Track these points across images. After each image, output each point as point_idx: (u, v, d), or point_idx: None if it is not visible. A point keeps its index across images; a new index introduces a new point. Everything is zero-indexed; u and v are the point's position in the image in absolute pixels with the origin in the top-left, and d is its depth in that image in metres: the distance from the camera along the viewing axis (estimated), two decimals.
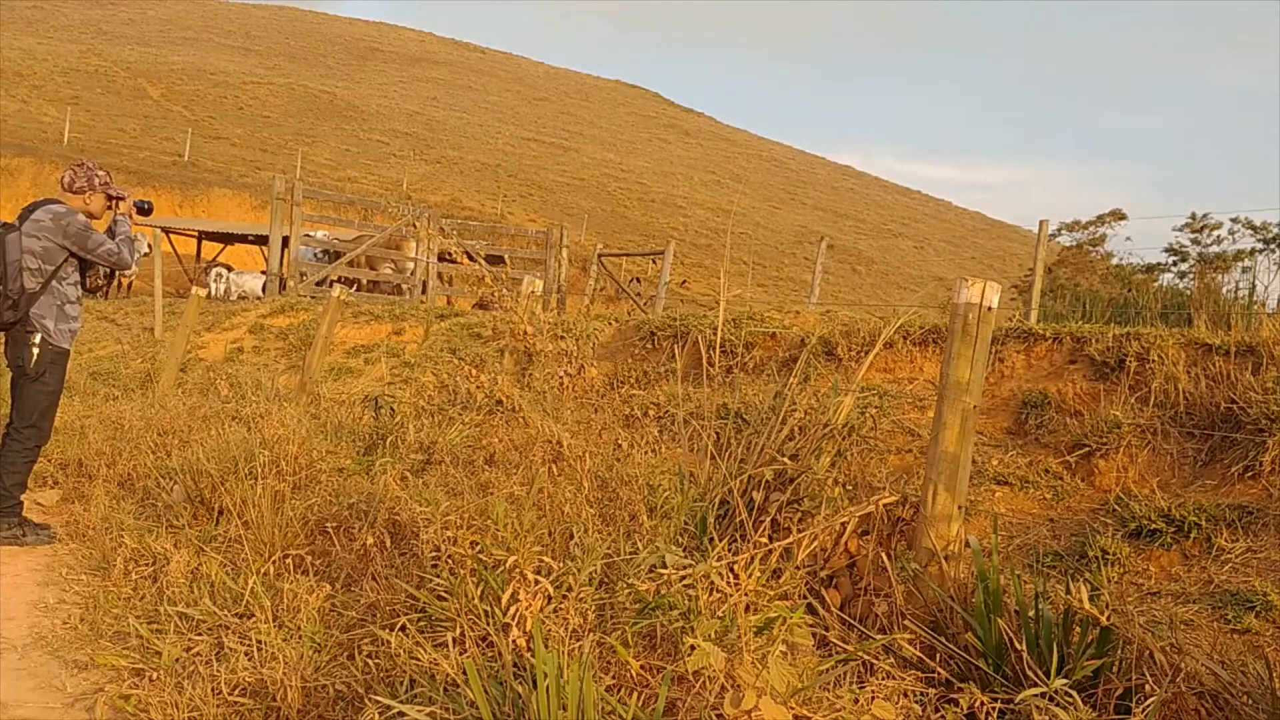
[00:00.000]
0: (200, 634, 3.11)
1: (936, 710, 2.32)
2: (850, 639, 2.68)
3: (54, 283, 4.70)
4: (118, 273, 5.54)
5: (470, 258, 14.34)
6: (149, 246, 16.10)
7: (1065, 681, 2.30)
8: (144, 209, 5.13)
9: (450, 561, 2.79)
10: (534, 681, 2.12)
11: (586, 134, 65.16)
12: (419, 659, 2.47)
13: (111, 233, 4.87)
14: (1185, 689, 2.43)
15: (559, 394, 4.62)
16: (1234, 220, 18.43)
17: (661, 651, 2.42)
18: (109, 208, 4.92)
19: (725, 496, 3.14)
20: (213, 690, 2.72)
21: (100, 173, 4.89)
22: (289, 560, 3.49)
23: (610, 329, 7.97)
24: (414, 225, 15.92)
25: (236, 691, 2.72)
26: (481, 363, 7.27)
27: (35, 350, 4.67)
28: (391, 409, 6.06)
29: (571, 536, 2.90)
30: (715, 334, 5.20)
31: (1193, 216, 18.69)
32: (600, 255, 16.89)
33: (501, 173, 46.48)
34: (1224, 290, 6.69)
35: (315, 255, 18.23)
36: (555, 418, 4.11)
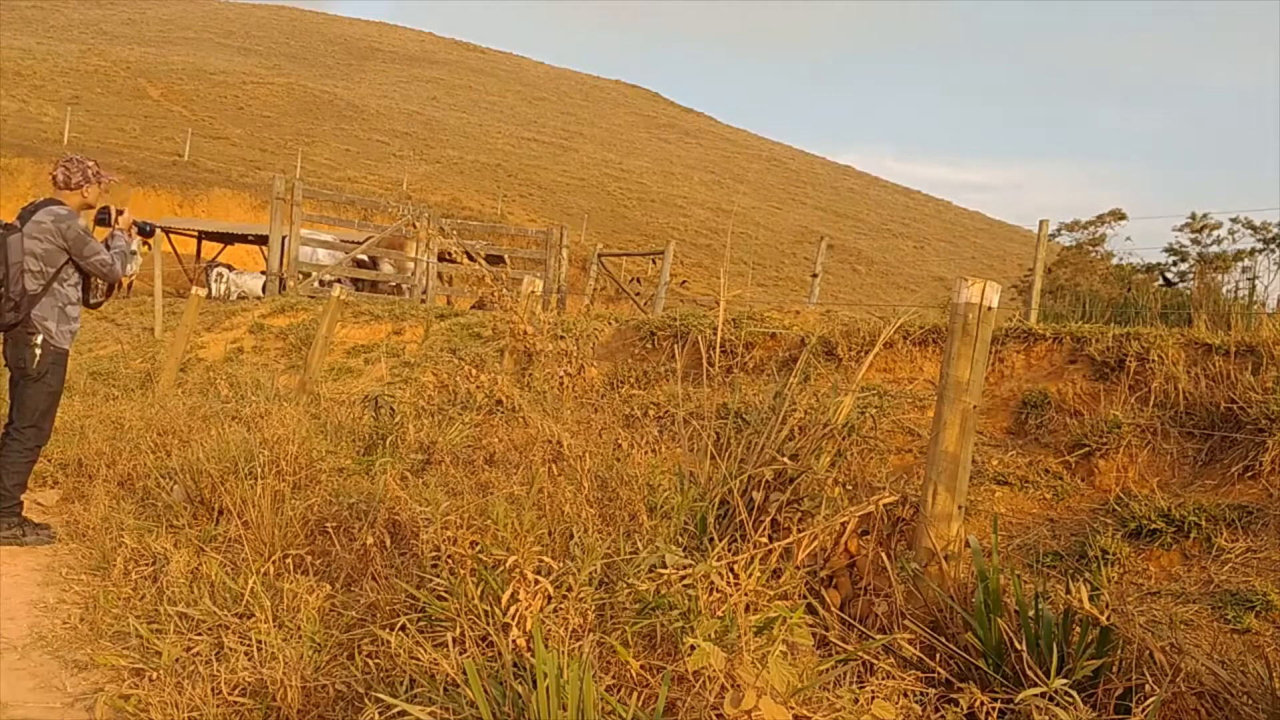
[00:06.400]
0: (200, 634, 3.11)
1: (936, 710, 2.32)
2: (850, 639, 2.68)
3: (55, 284, 4.70)
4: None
5: (470, 258, 14.34)
6: (147, 245, 16.09)
7: (1065, 681, 2.30)
8: (145, 231, 5.17)
9: (450, 561, 2.79)
10: (534, 681, 2.12)
11: (586, 134, 65.16)
12: (419, 659, 2.47)
13: (107, 244, 4.88)
14: (1185, 689, 2.43)
15: (559, 394, 4.62)
16: (1234, 220, 18.43)
17: (661, 651, 2.42)
18: (113, 223, 4.94)
19: (725, 496, 3.14)
20: (213, 690, 2.72)
21: (89, 163, 4.90)
22: (289, 560, 3.49)
23: (610, 329, 7.97)
24: (414, 225, 15.92)
25: (236, 691, 2.72)
26: (481, 363, 7.27)
27: (37, 351, 4.67)
28: (391, 409, 6.07)
29: (571, 536, 2.90)
30: (715, 334, 5.20)
31: (1193, 216, 18.69)
32: (600, 255, 16.87)
33: (501, 173, 46.48)
34: (1224, 290, 6.69)
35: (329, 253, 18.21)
36: (555, 418, 4.11)
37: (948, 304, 3.70)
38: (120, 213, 4.98)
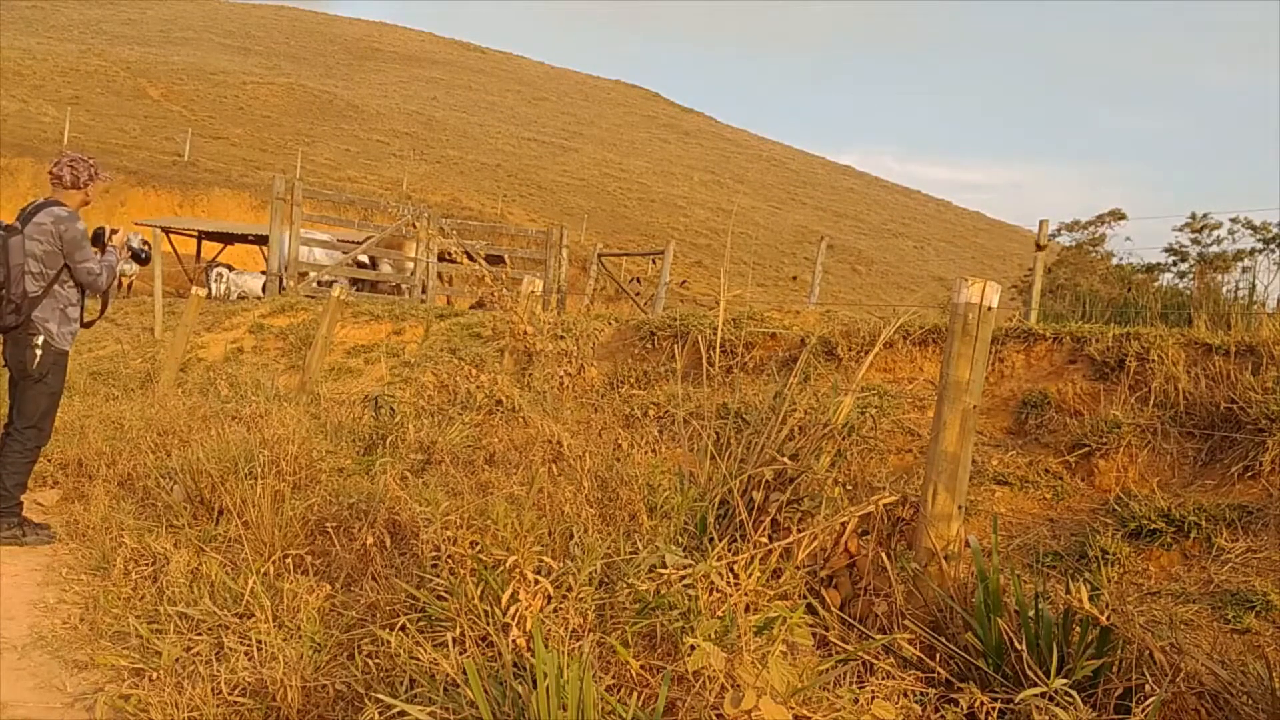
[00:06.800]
0: (200, 634, 3.11)
1: (936, 710, 2.32)
2: (850, 639, 2.68)
3: (56, 286, 4.70)
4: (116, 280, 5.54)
5: (470, 257, 14.34)
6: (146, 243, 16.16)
7: (1065, 681, 2.30)
8: (140, 257, 5.23)
9: (450, 561, 2.79)
10: (534, 681, 2.12)
11: (586, 134, 65.18)
12: (419, 659, 2.47)
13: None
14: (1185, 689, 2.43)
15: (559, 394, 4.62)
16: (1234, 220, 18.39)
17: (661, 651, 2.42)
18: (106, 241, 4.96)
19: (725, 496, 3.14)
20: (213, 690, 2.72)
21: (90, 160, 4.93)
22: (289, 560, 3.49)
23: (610, 329, 7.97)
24: (414, 225, 15.92)
25: (236, 691, 2.72)
26: (481, 363, 7.27)
27: (38, 352, 4.68)
28: (391, 409, 6.07)
29: (571, 536, 2.90)
30: (715, 334, 5.20)
31: (1193, 216, 18.65)
32: (600, 255, 16.87)
33: (501, 173, 46.48)
34: (1224, 290, 6.68)
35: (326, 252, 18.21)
36: (555, 418, 4.11)
37: (948, 304, 3.70)
38: (115, 231, 5.02)
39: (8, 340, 4.73)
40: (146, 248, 5.34)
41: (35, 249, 4.62)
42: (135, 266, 20.13)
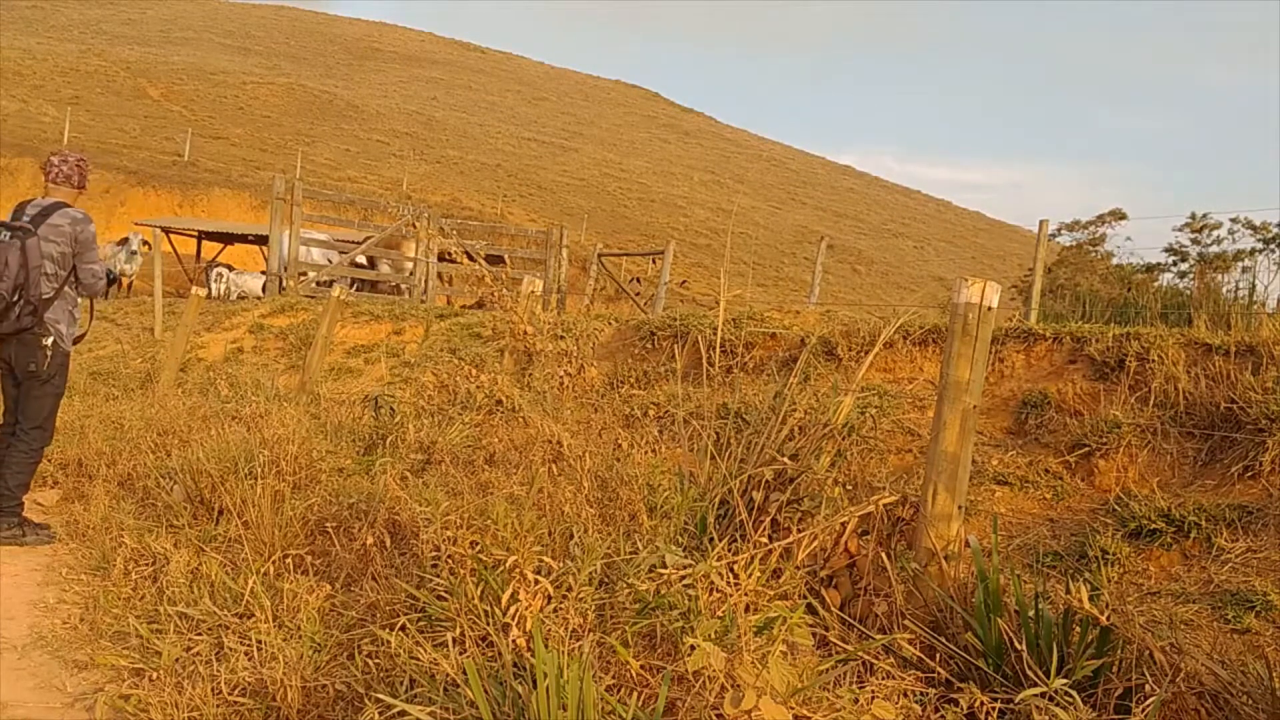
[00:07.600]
0: (200, 634, 3.11)
1: (936, 710, 2.32)
2: (850, 639, 2.68)
3: (66, 288, 4.72)
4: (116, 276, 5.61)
5: (470, 257, 14.33)
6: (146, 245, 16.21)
7: (1065, 681, 2.30)
8: (110, 279, 5.35)
9: (450, 561, 2.79)
10: (534, 681, 2.12)
11: (586, 134, 65.17)
12: (419, 659, 2.47)
13: None
14: (1185, 689, 2.43)
15: (559, 394, 4.62)
16: (1234, 220, 18.37)
17: (661, 651, 2.42)
18: None
19: (725, 496, 3.14)
20: (213, 690, 2.72)
21: (84, 158, 4.95)
22: (289, 560, 3.48)
23: (610, 329, 7.97)
24: (414, 225, 15.92)
25: (236, 691, 2.72)
26: (481, 363, 7.27)
27: (48, 353, 4.69)
28: (391, 409, 6.07)
29: (571, 536, 2.90)
30: (715, 334, 5.20)
31: (1193, 216, 18.63)
32: (600, 255, 16.87)
33: (501, 173, 46.47)
34: (1224, 290, 6.68)
35: (323, 251, 18.23)
36: (555, 418, 4.11)
37: (948, 304, 3.71)
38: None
39: (12, 341, 4.72)
40: (146, 247, 5.40)
41: (51, 250, 4.62)
42: (134, 267, 20.27)
